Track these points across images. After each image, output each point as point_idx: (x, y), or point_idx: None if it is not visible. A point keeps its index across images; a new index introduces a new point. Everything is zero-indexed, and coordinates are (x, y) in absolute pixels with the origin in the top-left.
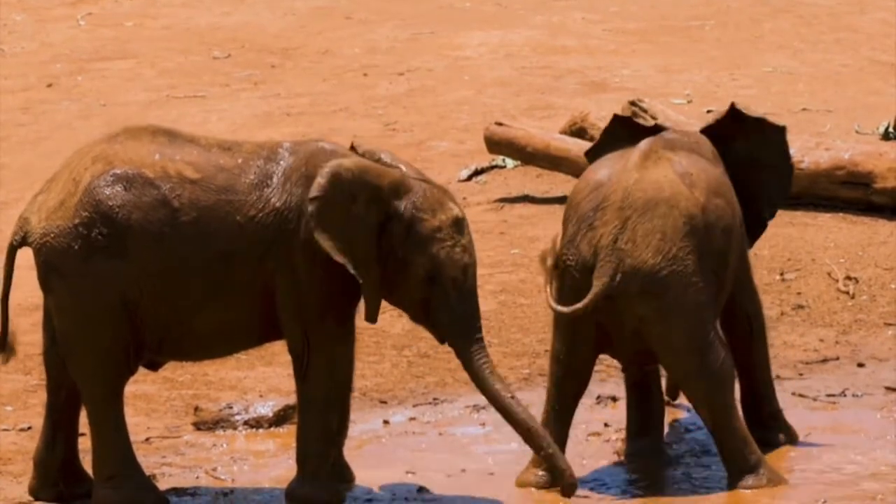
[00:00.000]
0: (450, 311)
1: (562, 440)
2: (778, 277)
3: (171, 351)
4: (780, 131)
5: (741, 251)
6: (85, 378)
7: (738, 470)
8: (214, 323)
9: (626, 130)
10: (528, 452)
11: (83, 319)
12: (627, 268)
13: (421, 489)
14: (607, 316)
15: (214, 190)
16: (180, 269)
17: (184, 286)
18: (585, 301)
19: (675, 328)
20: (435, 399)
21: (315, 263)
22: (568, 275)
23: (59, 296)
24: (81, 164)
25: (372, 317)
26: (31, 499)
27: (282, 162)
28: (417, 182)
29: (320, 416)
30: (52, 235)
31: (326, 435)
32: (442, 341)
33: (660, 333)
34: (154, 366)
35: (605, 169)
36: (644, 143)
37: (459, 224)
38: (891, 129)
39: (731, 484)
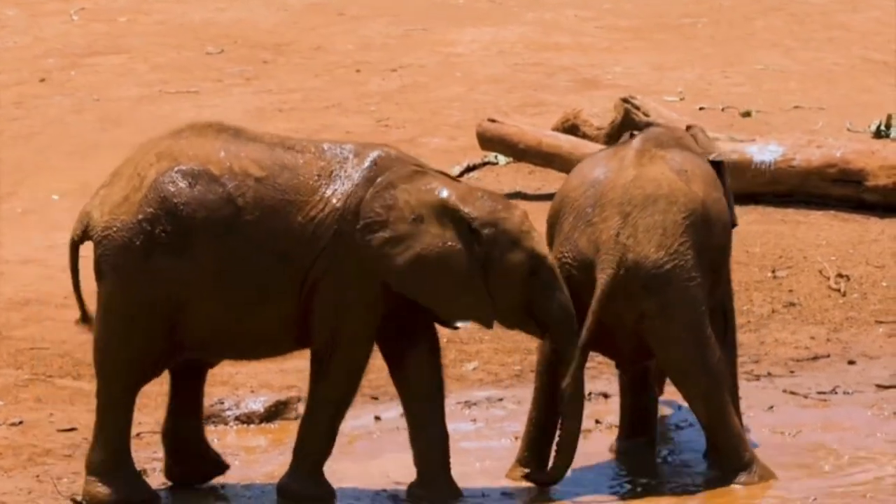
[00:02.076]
0: (554, 302)
1: (550, 439)
2: (769, 275)
3: (219, 350)
4: None
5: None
6: (108, 373)
7: (731, 467)
8: (264, 323)
9: None
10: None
11: (127, 315)
12: (630, 262)
13: None
14: (607, 312)
15: (278, 189)
16: (238, 268)
17: (239, 285)
18: (596, 298)
19: (676, 323)
20: None
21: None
22: (564, 271)
23: (109, 289)
24: (146, 159)
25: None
26: (28, 493)
27: (346, 164)
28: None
29: (332, 415)
30: (114, 229)
31: (332, 435)
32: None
33: (660, 328)
34: (205, 365)
35: (599, 167)
36: (637, 142)
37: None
38: (882, 128)
39: (725, 481)
